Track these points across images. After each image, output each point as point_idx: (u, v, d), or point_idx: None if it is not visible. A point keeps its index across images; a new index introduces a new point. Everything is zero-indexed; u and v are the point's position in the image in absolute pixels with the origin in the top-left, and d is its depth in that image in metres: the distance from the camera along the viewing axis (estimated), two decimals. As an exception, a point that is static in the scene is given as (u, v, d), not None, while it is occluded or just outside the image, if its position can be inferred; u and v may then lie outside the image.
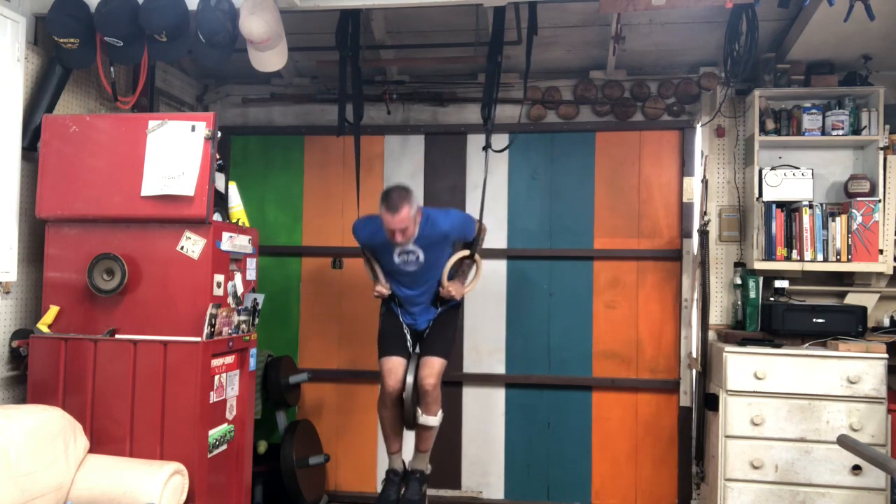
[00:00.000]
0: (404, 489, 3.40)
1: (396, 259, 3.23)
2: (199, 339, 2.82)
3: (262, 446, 3.94)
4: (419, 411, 3.30)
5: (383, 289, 3.36)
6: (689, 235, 4.13)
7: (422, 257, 3.24)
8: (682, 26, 3.71)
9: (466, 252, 3.37)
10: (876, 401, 3.37)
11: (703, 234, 3.94)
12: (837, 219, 3.62)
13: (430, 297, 3.40)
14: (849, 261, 3.60)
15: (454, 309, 3.50)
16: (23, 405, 2.76)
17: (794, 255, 3.65)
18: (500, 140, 3.99)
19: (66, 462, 2.61)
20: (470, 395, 4.29)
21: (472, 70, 4.28)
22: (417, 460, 3.43)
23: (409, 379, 3.27)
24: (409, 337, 3.39)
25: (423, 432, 3.36)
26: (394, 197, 3.05)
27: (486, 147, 3.47)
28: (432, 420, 3.30)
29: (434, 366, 3.25)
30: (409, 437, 3.49)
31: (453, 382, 4.22)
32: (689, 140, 4.15)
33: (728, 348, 3.51)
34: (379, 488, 4.12)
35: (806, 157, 3.83)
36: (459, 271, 3.41)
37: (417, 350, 3.42)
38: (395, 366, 3.29)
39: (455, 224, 3.31)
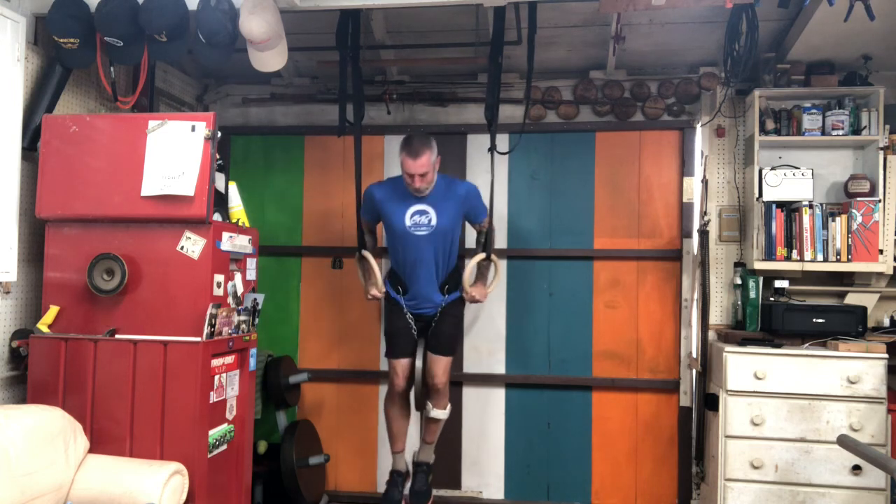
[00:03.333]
0: (411, 481, 3.53)
1: (408, 222, 3.22)
2: (199, 339, 2.81)
3: (262, 446, 3.94)
4: (429, 405, 3.43)
5: (377, 291, 3.41)
6: (689, 235, 4.12)
7: (434, 220, 3.24)
8: (682, 26, 3.71)
9: (483, 255, 3.43)
10: (876, 401, 3.37)
11: (703, 234, 3.94)
12: (837, 219, 3.62)
13: (438, 278, 3.39)
14: (849, 261, 3.60)
15: (460, 302, 3.51)
16: (23, 405, 2.76)
17: (794, 255, 3.65)
18: (500, 140, 3.97)
19: (66, 462, 2.61)
20: (470, 394, 4.29)
21: (472, 70, 4.28)
22: (424, 452, 3.57)
23: (418, 363, 3.40)
24: (415, 331, 3.44)
25: (432, 424, 3.51)
26: (415, 142, 3.14)
27: (492, 149, 3.48)
28: (442, 413, 3.46)
29: (443, 364, 3.38)
30: (412, 434, 3.56)
31: (453, 382, 4.19)
32: (689, 140, 4.15)
33: (728, 348, 3.51)
34: (379, 488, 4.15)
35: (806, 157, 3.83)
36: (478, 274, 3.47)
37: (424, 339, 3.46)
38: (403, 367, 3.40)
39: (471, 192, 3.38)
